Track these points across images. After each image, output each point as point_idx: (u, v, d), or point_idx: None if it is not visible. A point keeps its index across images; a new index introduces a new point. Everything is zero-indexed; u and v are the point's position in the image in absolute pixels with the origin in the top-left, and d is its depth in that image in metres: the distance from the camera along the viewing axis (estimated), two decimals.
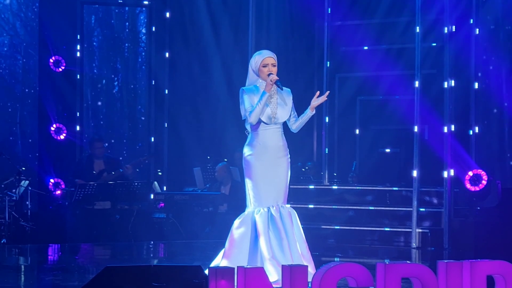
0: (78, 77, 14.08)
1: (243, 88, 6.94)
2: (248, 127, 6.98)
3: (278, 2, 13.91)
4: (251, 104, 6.82)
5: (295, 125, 7.01)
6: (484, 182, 10.70)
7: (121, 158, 13.07)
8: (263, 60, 6.89)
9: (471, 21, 11.27)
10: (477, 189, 10.74)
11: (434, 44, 12.22)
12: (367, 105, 14.68)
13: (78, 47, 14.05)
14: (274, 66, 6.90)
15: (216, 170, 12.67)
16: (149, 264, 7.35)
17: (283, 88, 6.91)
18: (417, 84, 11.06)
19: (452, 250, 10.47)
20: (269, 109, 6.85)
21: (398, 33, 13.18)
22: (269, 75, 6.83)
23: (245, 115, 6.87)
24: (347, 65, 14.19)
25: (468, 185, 10.78)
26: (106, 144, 12.70)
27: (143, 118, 15.12)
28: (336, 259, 9.62)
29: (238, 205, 10.95)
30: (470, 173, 10.81)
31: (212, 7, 14.10)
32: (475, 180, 10.75)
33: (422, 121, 11.20)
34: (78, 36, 14.06)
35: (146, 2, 14.42)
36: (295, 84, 6.96)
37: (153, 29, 14.42)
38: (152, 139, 14.37)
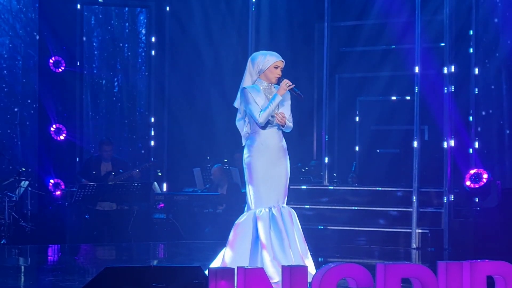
0: (78, 77, 14.09)
1: (245, 87, 6.92)
2: (247, 127, 6.97)
3: (278, 2, 13.91)
4: (258, 104, 6.81)
5: (284, 128, 7.00)
6: (484, 180, 10.72)
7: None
8: (276, 62, 6.90)
9: (471, 32, 11.32)
10: (477, 186, 10.75)
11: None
12: (367, 105, 14.69)
13: (78, 47, 14.06)
14: (282, 70, 6.94)
15: (211, 172, 12.67)
16: (149, 264, 7.35)
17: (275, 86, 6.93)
18: (416, 89, 11.07)
19: (452, 250, 10.47)
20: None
21: (398, 33, 13.17)
22: (279, 79, 6.85)
23: (252, 115, 6.82)
24: (347, 65, 14.20)
25: (468, 182, 10.79)
26: (113, 148, 12.66)
27: (143, 119, 15.11)
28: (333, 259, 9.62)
29: (235, 205, 10.97)
30: (471, 172, 10.83)
31: (212, 8, 14.11)
32: (476, 178, 10.76)
33: (421, 122, 11.22)
34: (78, 36, 14.08)
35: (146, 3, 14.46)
36: (295, 84, 6.94)
37: (153, 29, 14.44)
38: (152, 140, 14.38)
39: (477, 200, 10.84)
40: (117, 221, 11.79)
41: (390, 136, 13.87)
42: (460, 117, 11.20)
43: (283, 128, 6.93)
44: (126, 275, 5.22)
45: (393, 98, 14.38)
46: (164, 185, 14.10)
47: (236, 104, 7.04)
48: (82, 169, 12.70)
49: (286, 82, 6.84)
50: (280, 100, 6.83)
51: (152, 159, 13.79)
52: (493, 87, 11.73)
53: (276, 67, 6.90)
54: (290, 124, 6.93)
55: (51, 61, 13.74)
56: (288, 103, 6.97)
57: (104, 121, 15.35)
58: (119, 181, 11.99)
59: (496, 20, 11.57)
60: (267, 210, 6.83)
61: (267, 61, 6.90)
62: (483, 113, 11.52)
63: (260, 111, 6.80)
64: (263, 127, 6.87)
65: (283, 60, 6.95)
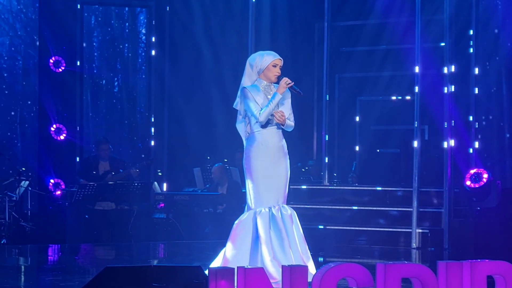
0: (78, 77, 14.09)
1: (245, 86, 6.92)
2: (247, 127, 6.97)
3: (278, 2, 13.91)
4: (258, 104, 6.81)
5: (284, 127, 6.99)
6: (484, 180, 10.72)
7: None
8: (274, 60, 6.90)
9: (471, 31, 11.32)
10: (477, 185, 10.75)
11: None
12: (367, 105, 14.69)
13: (78, 47, 14.07)
14: (281, 68, 6.93)
15: (212, 171, 12.67)
16: (149, 264, 7.35)
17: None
18: (416, 89, 11.07)
19: (452, 250, 10.47)
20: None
21: (398, 33, 13.17)
22: (279, 77, 6.86)
23: (253, 114, 6.83)
24: (347, 65, 14.20)
25: (468, 182, 10.79)
26: (112, 148, 12.68)
27: (143, 119, 15.11)
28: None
29: (235, 205, 10.97)
30: (472, 171, 10.83)
31: (212, 8, 14.11)
32: (476, 177, 10.76)
33: (421, 122, 11.22)
34: (78, 36, 14.07)
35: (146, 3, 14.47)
36: (295, 84, 6.94)
37: (153, 29, 14.44)
38: (152, 140, 14.38)
39: (475, 200, 10.84)
40: (117, 221, 11.79)
41: (390, 136, 13.87)
42: (460, 117, 11.20)
43: (283, 127, 6.93)
44: (126, 275, 5.22)
45: (393, 98, 14.38)
46: (164, 185, 14.10)
47: (236, 105, 7.04)
48: (80, 170, 12.70)
49: (285, 80, 6.84)
50: (280, 99, 6.83)
51: (150, 157, 13.77)
52: (495, 89, 11.72)
53: (274, 66, 6.91)
54: (290, 123, 6.93)
55: (51, 61, 13.74)
56: (288, 101, 6.96)
57: (104, 121, 15.35)
58: (117, 180, 11.99)
59: (496, 21, 11.58)
60: (267, 209, 6.83)
61: (265, 60, 6.90)
62: (483, 118, 11.52)
63: (260, 110, 6.80)
64: (263, 126, 6.87)
65: (281, 58, 6.95)
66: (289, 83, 6.83)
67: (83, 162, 13.13)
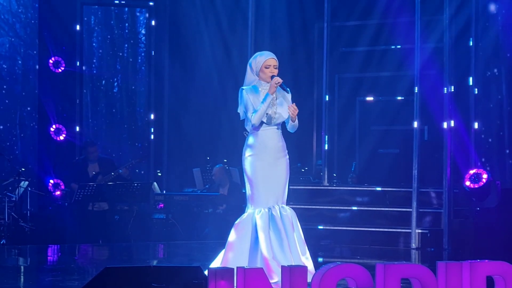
0: (78, 77, 14.09)
1: (243, 88, 6.92)
2: (247, 127, 6.96)
3: (278, 2, 13.91)
4: (252, 105, 6.80)
5: (288, 127, 6.98)
6: (484, 180, 10.71)
7: (118, 159, 13.07)
8: (265, 61, 6.88)
9: (471, 32, 11.32)
10: (476, 186, 10.75)
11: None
12: (367, 105, 14.69)
13: (78, 47, 14.07)
14: (276, 68, 6.89)
15: (213, 172, 12.68)
16: (148, 264, 7.35)
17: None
18: (416, 89, 11.07)
19: (451, 250, 10.47)
20: (269, 110, 6.84)
21: (398, 33, 13.17)
22: (272, 77, 6.83)
23: (246, 116, 6.84)
24: (347, 65, 14.19)
25: (467, 183, 10.78)
26: (98, 149, 12.67)
27: (142, 119, 15.11)
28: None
29: (236, 205, 10.97)
30: (471, 172, 10.83)
31: (212, 8, 14.11)
32: (475, 178, 10.76)
33: (421, 122, 11.22)
34: (78, 36, 14.08)
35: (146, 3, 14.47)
36: (295, 84, 6.94)
37: (153, 29, 14.44)
38: (152, 140, 14.38)
39: (474, 201, 10.83)
40: (116, 221, 11.79)
41: (390, 136, 13.87)
42: (459, 117, 11.20)
43: (293, 123, 6.87)
44: (126, 275, 5.22)
45: (393, 98, 14.38)
46: (164, 185, 14.10)
47: (238, 108, 7.03)
48: (70, 175, 12.67)
49: (275, 80, 6.81)
50: (271, 99, 6.80)
51: (137, 157, 13.74)
52: (498, 95, 11.72)
53: (267, 67, 6.87)
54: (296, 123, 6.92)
55: (51, 61, 13.75)
56: (288, 102, 6.94)
57: (103, 121, 15.35)
58: (107, 181, 11.98)
59: (496, 21, 11.57)
60: (266, 210, 6.83)
61: (258, 62, 6.89)
62: (482, 118, 11.50)
63: (253, 112, 6.78)
64: (257, 128, 6.85)
65: (274, 58, 6.91)
66: (278, 82, 6.81)
67: (72, 166, 13.10)
